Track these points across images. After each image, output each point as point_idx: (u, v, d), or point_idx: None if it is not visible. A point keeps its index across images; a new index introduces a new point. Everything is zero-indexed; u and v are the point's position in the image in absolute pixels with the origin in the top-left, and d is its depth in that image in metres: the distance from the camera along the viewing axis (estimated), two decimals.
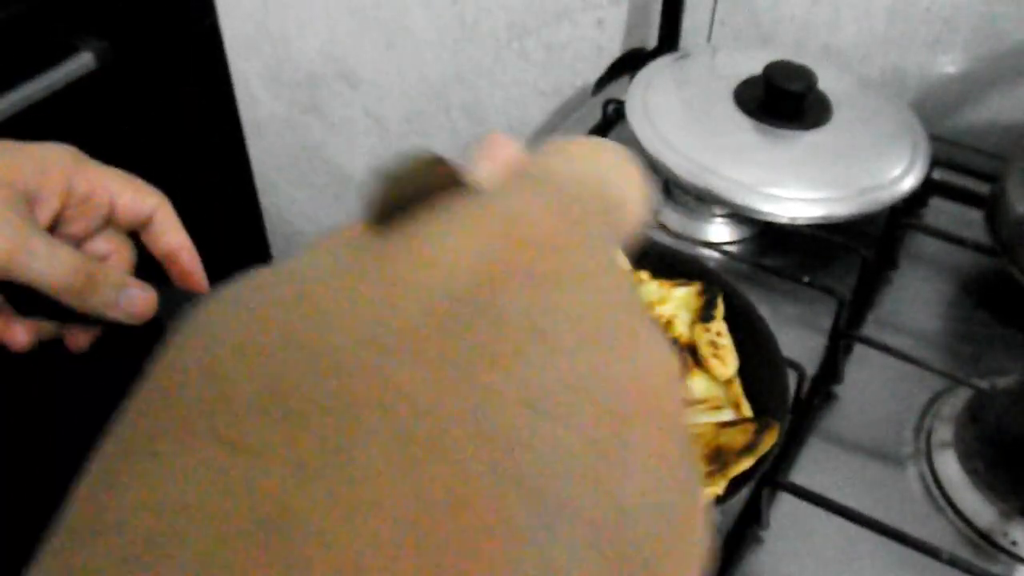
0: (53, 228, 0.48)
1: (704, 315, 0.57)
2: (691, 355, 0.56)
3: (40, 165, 0.46)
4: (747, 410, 0.54)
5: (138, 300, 0.48)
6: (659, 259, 0.61)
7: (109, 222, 0.50)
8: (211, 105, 1.38)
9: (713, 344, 0.56)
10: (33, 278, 0.44)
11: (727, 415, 0.53)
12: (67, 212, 0.48)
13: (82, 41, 1.07)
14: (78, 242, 0.50)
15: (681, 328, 0.57)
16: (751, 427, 0.51)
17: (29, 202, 0.45)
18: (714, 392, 0.55)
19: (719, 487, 0.48)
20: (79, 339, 0.51)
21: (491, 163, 0.21)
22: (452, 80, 1.16)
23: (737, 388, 0.55)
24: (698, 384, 0.55)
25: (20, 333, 0.48)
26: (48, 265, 0.44)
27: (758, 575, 0.54)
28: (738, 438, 0.50)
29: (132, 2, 1.16)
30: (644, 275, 0.59)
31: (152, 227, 0.51)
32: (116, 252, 0.51)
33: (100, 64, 1.07)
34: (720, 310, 0.57)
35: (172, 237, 0.51)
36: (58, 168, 0.47)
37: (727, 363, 0.55)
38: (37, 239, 0.44)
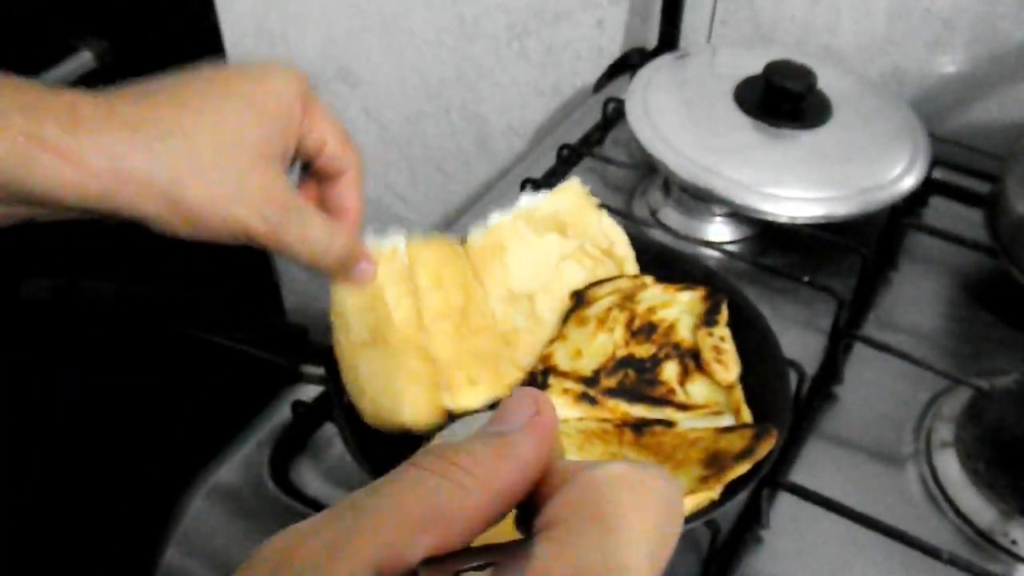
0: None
1: (708, 319, 0.57)
2: (693, 360, 0.56)
3: (284, 115, 0.44)
4: (747, 416, 0.54)
5: (365, 274, 0.49)
6: (664, 262, 0.61)
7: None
8: None
9: (716, 349, 0.55)
10: (285, 251, 0.44)
11: (727, 420, 0.53)
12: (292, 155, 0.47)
13: (82, 41, 1.07)
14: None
15: (684, 332, 0.57)
16: (749, 433, 0.50)
17: (284, 161, 0.44)
18: (715, 397, 0.55)
19: (715, 491, 0.48)
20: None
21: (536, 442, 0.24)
22: (452, 80, 1.16)
23: (738, 394, 0.55)
24: (699, 389, 0.55)
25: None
26: (299, 241, 0.44)
27: (758, 575, 0.54)
28: (736, 443, 0.50)
29: (132, 2, 1.16)
30: (648, 279, 0.59)
31: (336, 180, 0.49)
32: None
33: (100, 64, 1.07)
34: (724, 315, 0.57)
35: (350, 198, 0.49)
36: (297, 117, 0.45)
37: (730, 368, 0.55)
38: (315, 222, 0.44)
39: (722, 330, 0.57)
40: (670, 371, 0.56)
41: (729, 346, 0.56)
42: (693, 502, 0.47)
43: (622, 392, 0.54)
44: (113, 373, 1.24)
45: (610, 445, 0.51)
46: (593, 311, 0.58)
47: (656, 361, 0.56)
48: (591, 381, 0.55)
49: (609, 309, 0.58)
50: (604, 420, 0.53)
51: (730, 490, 0.48)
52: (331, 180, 0.49)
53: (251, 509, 0.58)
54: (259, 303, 1.42)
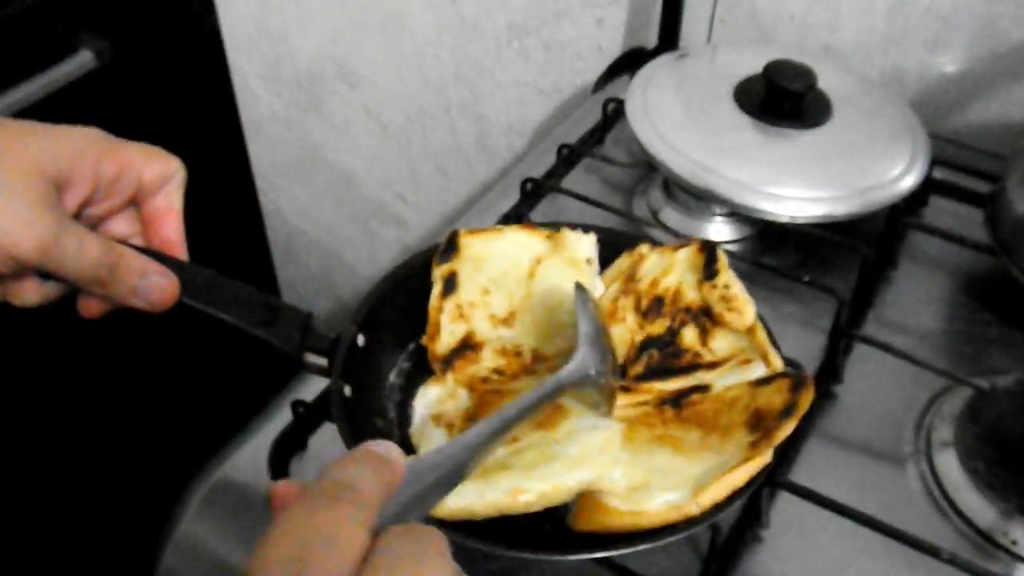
0: (79, 212, 0.48)
1: (708, 272, 0.57)
2: (707, 317, 0.56)
3: (73, 151, 0.46)
4: (776, 360, 0.53)
5: (157, 288, 0.48)
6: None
7: (132, 202, 0.51)
8: (211, 105, 1.38)
9: (725, 298, 0.55)
10: (61, 270, 0.45)
11: (759, 368, 0.53)
12: (95, 195, 0.48)
13: (82, 41, 1.07)
14: (99, 222, 0.50)
15: (691, 294, 0.57)
16: (785, 384, 0.49)
17: (59, 189, 0.45)
18: (739, 344, 0.55)
19: (766, 455, 0.47)
20: (92, 307, 0.50)
21: None
22: (452, 80, 1.16)
23: (761, 335, 0.54)
24: (722, 343, 0.55)
25: (30, 292, 0.48)
26: (76, 258, 0.45)
27: (758, 575, 0.54)
28: (775, 399, 0.49)
29: (132, 2, 1.16)
30: (644, 248, 0.59)
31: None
32: (136, 234, 0.51)
33: (100, 64, 1.07)
34: (723, 260, 0.57)
35: (165, 200, 0.51)
36: (89, 153, 0.47)
37: (744, 313, 0.55)
38: (67, 232, 0.44)
39: (724, 278, 0.56)
40: (690, 336, 0.56)
41: (737, 291, 0.56)
42: (749, 472, 0.46)
43: (651, 374, 0.54)
44: (113, 373, 1.24)
45: (655, 428, 0.51)
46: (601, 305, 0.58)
47: (673, 332, 0.56)
48: (619, 374, 0.55)
49: (615, 300, 0.58)
50: (641, 404, 0.53)
51: (731, 497, 0.48)
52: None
53: (251, 509, 0.58)
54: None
